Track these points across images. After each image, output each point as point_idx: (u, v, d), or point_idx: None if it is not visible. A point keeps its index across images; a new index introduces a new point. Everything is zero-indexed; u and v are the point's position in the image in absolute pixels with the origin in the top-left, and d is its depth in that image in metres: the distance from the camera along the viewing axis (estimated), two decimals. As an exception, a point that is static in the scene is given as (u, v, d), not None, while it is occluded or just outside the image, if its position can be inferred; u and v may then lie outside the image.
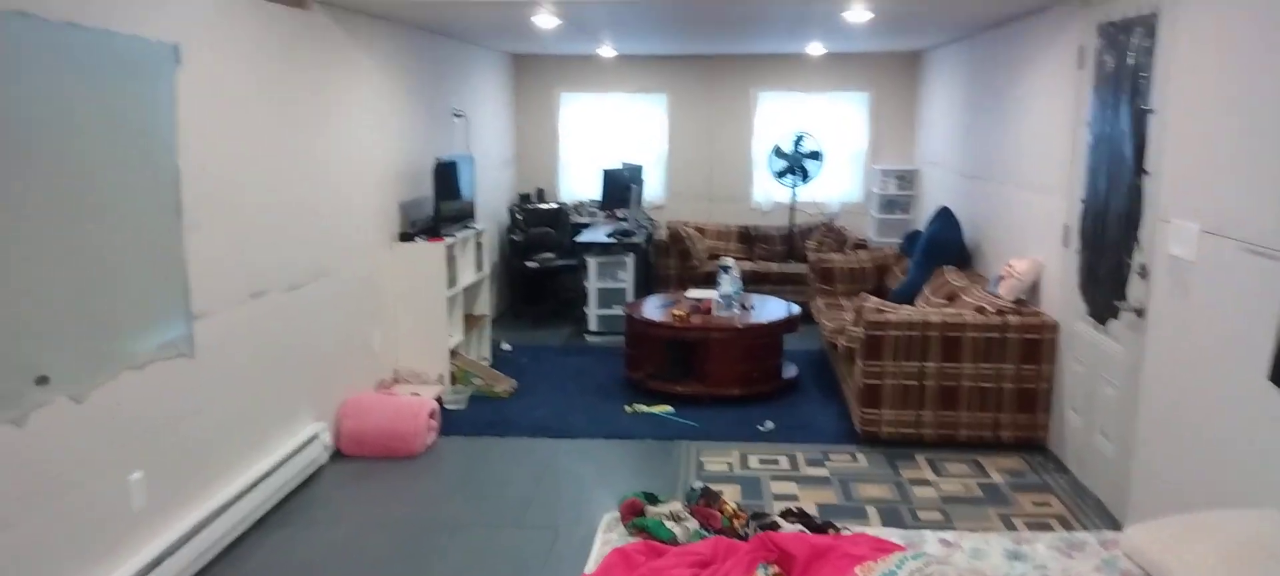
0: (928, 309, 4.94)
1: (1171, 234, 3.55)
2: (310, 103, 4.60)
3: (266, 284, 4.20)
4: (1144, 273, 3.80)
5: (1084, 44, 4.48)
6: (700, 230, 8.58)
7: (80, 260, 2.97)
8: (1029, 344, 4.73)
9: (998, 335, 4.74)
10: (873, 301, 4.98)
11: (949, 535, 2.85)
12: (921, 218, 7.99)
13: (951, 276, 5.70)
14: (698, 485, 3.13)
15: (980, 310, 4.86)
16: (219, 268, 3.81)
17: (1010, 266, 5.11)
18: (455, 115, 6.94)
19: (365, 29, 5.24)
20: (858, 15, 5.37)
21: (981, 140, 6.21)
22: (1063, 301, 4.65)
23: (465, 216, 6.31)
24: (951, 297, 5.43)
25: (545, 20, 5.50)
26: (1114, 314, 4.07)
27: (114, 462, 3.19)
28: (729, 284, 5.88)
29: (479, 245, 6.50)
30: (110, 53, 3.10)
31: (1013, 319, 4.74)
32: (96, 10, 3.03)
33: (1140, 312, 3.80)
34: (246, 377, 4.05)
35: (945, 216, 6.28)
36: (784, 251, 8.43)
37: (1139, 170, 3.86)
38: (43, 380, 2.80)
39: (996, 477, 4.53)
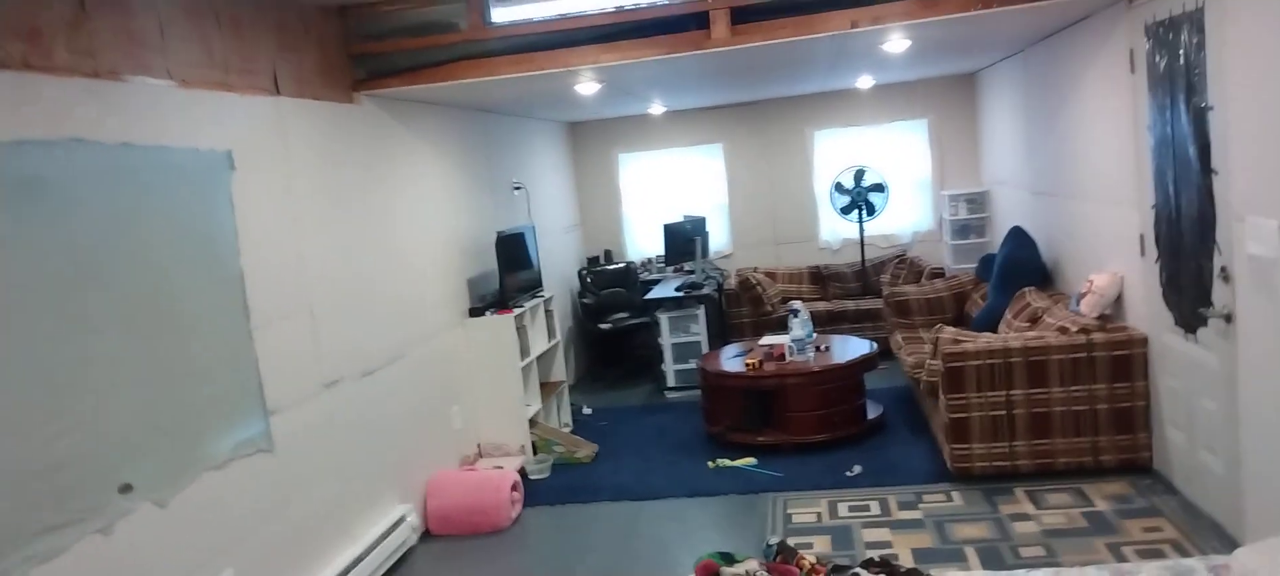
0: (1009, 334, 4.77)
1: (1248, 232, 3.37)
2: (368, 191, 4.74)
3: (340, 373, 4.31)
4: (1226, 276, 3.60)
5: (1134, 46, 4.34)
6: (770, 275, 8.50)
7: (155, 368, 3.09)
8: (1119, 360, 4.52)
9: (1084, 355, 4.54)
10: (948, 332, 4.84)
11: (1045, 572, 2.71)
12: (996, 240, 7.77)
13: (1033, 298, 5.51)
14: (774, 540, 3.06)
15: (1063, 330, 4.67)
16: (291, 362, 3.92)
17: (1090, 282, 4.91)
18: (515, 188, 7.06)
19: (415, 115, 5.39)
20: (896, 45, 5.31)
21: (1044, 155, 6.04)
22: (1148, 314, 4.44)
23: (532, 286, 6.38)
24: (1034, 320, 5.24)
25: (586, 87, 5.58)
26: (1202, 322, 3.87)
27: (202, 564, 3.27)
28: (800, 327, 5.79)
29: (548, 312, 6.55)
30: (166, 167, 3.25)
31: (1098, 336, 4.55)
32: (148, 128, 3.19)
33: (1228, 318, 3.60)
34: (327, 466, 4.14)
35: (1018, 236, 6.10)
36: (858, 288, 8.29)
37: (1206, 170, 3.69)
38: (126, 488, 2.91)
39: (1101, 505, 4.31)
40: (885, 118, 8.59)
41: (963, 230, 8.19)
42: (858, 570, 2.86)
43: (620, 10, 4.51)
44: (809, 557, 2.94)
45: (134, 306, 3.02)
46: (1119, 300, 4.82)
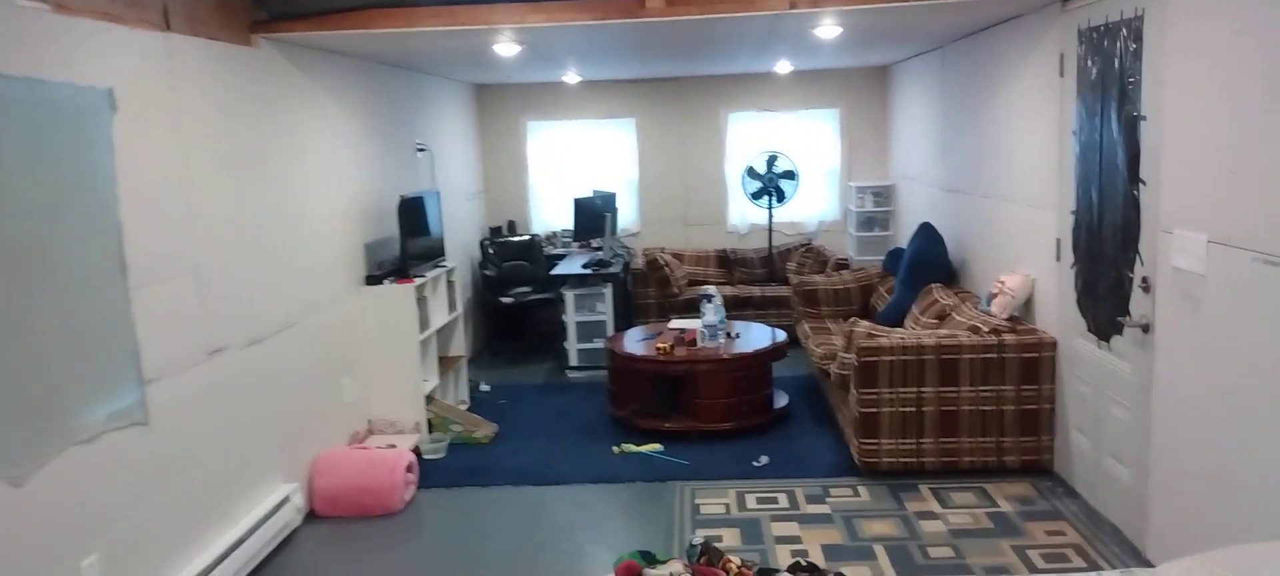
0: (920, 331, 4.77)
1: (1175, 245, 3.41)
2: (263, 145, 4.35)
3: (226, 339, 3.94)
4: (1147, 287, 3.65)
5: (1064, 50, 4.36)
6: (678, 256, 8.39)
7: (12, 328, 2.71)
8: (1027, 363, 4.57)
9: (995, 355, 4.58)
10: (863, 325, 4.80)
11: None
12: (902, 234, 7.86)
13: (940, 294, 5.55)
14: (697, 539, 2.92)
15: (975, 330, 4.70)
16: (172, 326, 3.55)
17: (1001, 282, 4.96)
18: (418, 149, 6.70)
19: (319, 64, 5.00)
20: (828, 31, 5.23)
21: (960, 153, 6.09)
22: (1060, 318, 4.50)
23: (435, 254, 6.07)
24: (942, 317, 5.27)
25: (506, 48, 5.30)
26: (1117, 330, 3.92)
27: (64, 548, 2.91)
28: (713, 313, 5.69)
29: (450, 283, 6.25)
30: (36, 101, 2.85)
31: (1009, 337, 4.59)
32: (17, 56, 2.78)
33: (1146, 328, 3.65)
34: (208, 442, 3.78)
35: (927, 232, 6.14)
36: (765, 274, 8.26)
37: (1134, 179, 3.73)
38: (-24, 469, 2.53)
39: (1005, 506, 4.35)
40: (798, 105, 8.57)
41: (867, 222, 8.26)
42: (784, 574, 2.75)
43: (551, -30, 4.25)
44: (735, 560, 2.81)
45: (-11, 258, 2.63)
46: (1029, 302, 4.88)
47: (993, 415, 4.63)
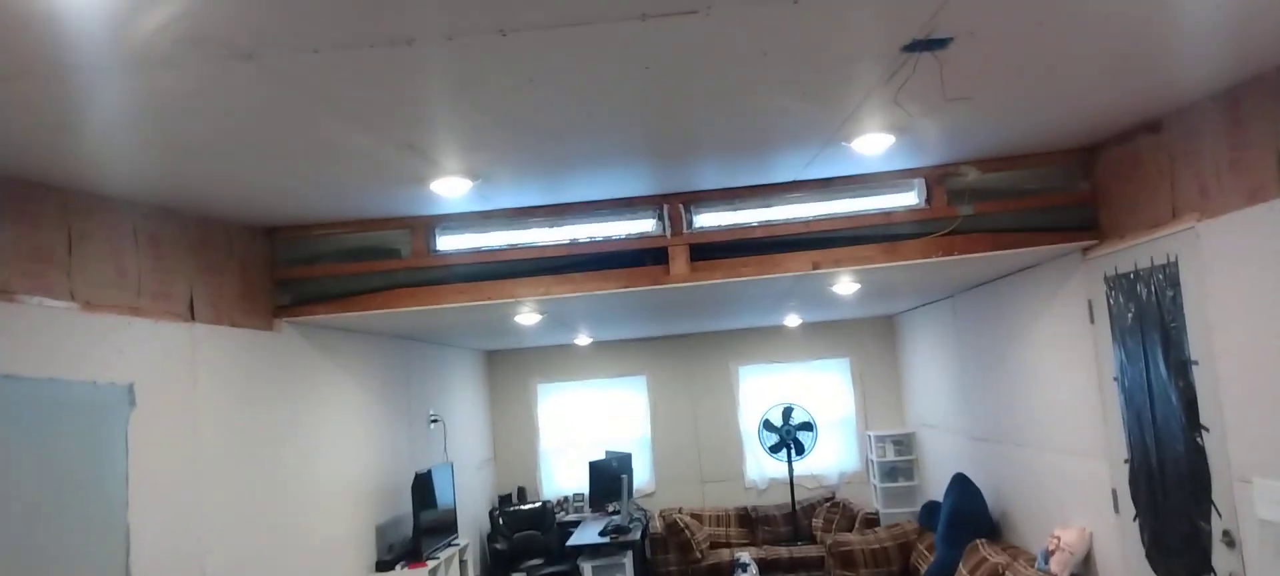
0: (982, 597, 4.44)
1: (1258, 496, 3.20)
2: (278, 427, 4.19)
3: (235, 651, 3.59)
4: (1230, 541, 3.40)
5: (1092, 297, 4.34)
6: (697, 516, 8.04)
7: (13, 669, 2.42)
8: (1101, 627, 4.22)
9: (1066, 621, 4.23)
10: (919, 593, 4.47)
11: None
12: (929, 484, 7.60)
13: (987, 552, 5.24)
14: None
15: (1038, 592, 4.37)
16: (181, 643, 3.23)
17: (1057, 537, 4.68)
18: (432, 421, 6.54)
19: (336, 342, 4.93)
20: (846, 287, 5.25)
21: (986, 400, 5.97)
22: (1127, 575, 4.20)
23: (447, 529, 5.76)
24: (995, 577, 4.94)
25: (527, 318, 5.28)
26: (1201, 589, 3.63)
27: None
28: (749, 584, 5.33)
29: (463, 562, 5.89)
30: (54, 403, 2.71)
31: (1078, 600, 4.26)
32: (39, 357, 2.67)
33: (1238, 588, 3.37)
34: None
35: (963, 484, 5.90)
36: (789, 533, 7.89)
37: (1194, 426, 3.57)
38: None
39: None
40: (808, 355, 8.54)
41: (891, 472, 8.00)
42: None
43: (574, 243, 4.28)
44: None
45: (-9, 583, 2.38)
46: (1088, 557, 4.58)
47: (1071, 689, 4.22)
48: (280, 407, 4.20)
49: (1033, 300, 5.08)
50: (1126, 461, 4.14)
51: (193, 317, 3.54)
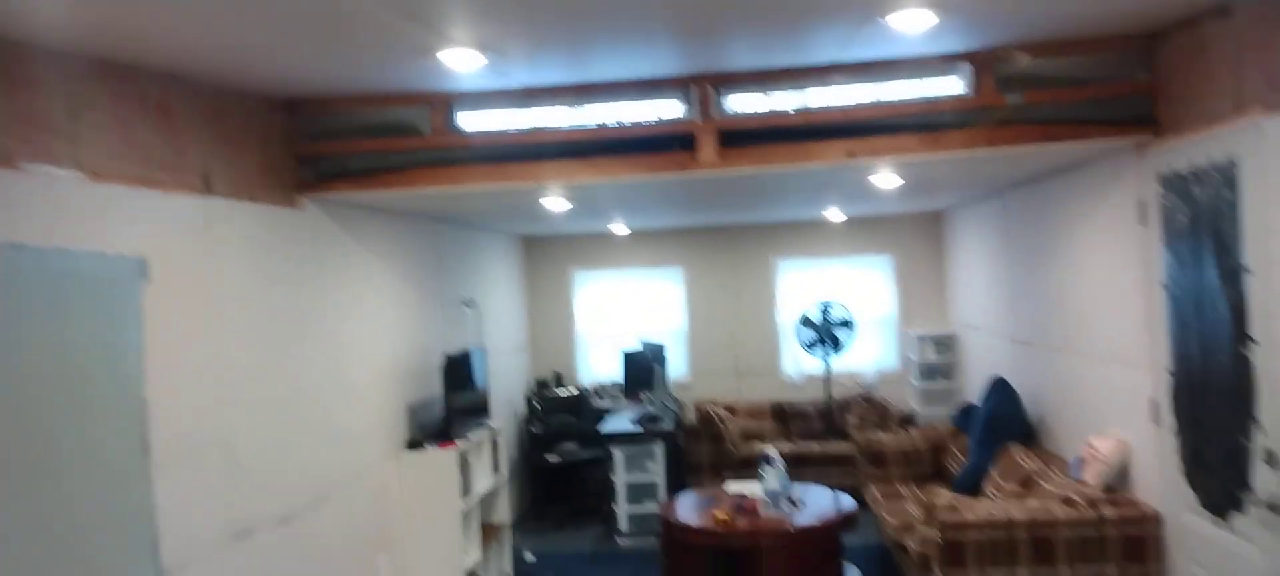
0: (1009, 503, 4.34)
1: (1306, 414, 3.01)
2: (303, 307, 4.18)
3: (254, 519, 3.66)
4: (1273, 461, 3.23)
5: (1143, 198, 4.08)
6: (731, 409, 8.03)
7: (13, 521, 2.45)
8: (1131, 541, 4.10)
9: (1094, 532, 4.12)
10: (944, 496, 4.39)
11: None
12: (967, 385, 7.45)
13: (1021, 457, 5.12)
14: None
15: (1069, 501, 4.26)
16: (196, 508, 3.29)
17: (1092, 447, 4.54)
18: (465, 305, 6.54)
19: (364, 222, 4.89)
20: (886, 180, 5.02)
21: (1030, 303, 5.75)
22: (1164, 489, 4.05)
23: (479, 410, 5.80)
24: (1026, 483, 4.83)
25: (555, 203, 5.17)
26: (1238, 506, 3.48)
27: None
28: (775, 478, 5.29)
29: (495, 444, 5.96)
30: (62, 273, 2.69)
31: (1109, 511, 4.14)
32: (44, 226, 2.63)
33: (1277, 509, 3.21)
34: (229, 637, 3.45)
35: (1002, 388, 5.75)
36: (823, 429, 7.85)
37: (1242, 337, 3.36)
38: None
39: None
40: (849, 251, 8.34)
41: (930, 373, 7.86)
42: None
43: (602, 127, 4.12)
44: None
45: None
46: (1125, 470, 4.43)
47: (1095, 598, 4.14)
48: (306, 286, 4.19)
49: (1083, 199, 4.82)
50: (1170, 372, 3.94)
51: (209, 191, 3.49)
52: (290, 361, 4.02)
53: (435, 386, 5.61)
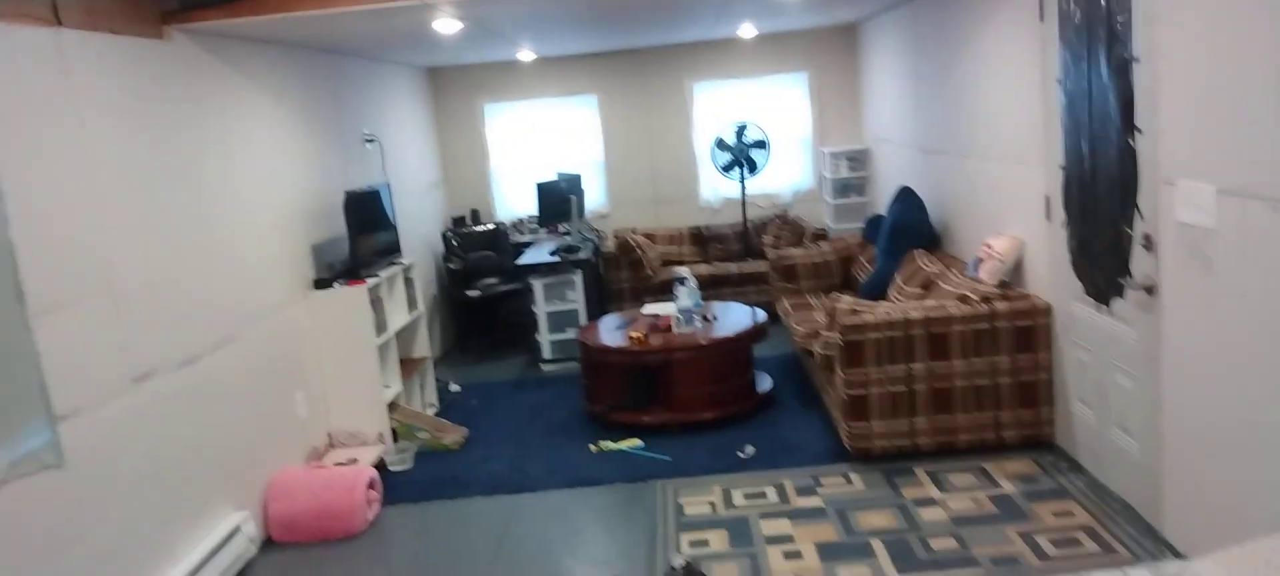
0: (908, 304, 4.48)
1: (1179, 198, 3.12)
2: (184, 147, 3.98)
3: (153, 363, 3.59)
4: (1149, 244, 3.37)
5: (1046, -7, 4.07)
6: (650, 237, 8.07)
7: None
8: (1022, 332, 4.30)
9: (987, 326, 4.30)
10: (845, 300, 4.51)
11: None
12: (879, 199, 7.58)
13: (923, 261, 5.27)
14: (678, 561, 2.62)
15: (964, 299, 4.42)
16: (87, 354, 3.19)
17: (988, 246, 4.68)
18: (367, 140, 6.33)
19: (246, 55, 4.62)
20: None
21: (937, 111, 5.79)
22: (1053, 281, 4.23)
23: (390, 250, 5.72)
24: (927, 285, 4.99)
25: (446, 25, 4.93)
26: (1118, 292, 3.65)
27: (-39, 623, 2.57)
28: (688, 296, 5.38)
29: (408, 281, 5.91)
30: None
31: (1000, 305, 4.31)
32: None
33: (1150, 290, 3.38)
34: (139, 477, 3.44)
35: (907, 197, 5.85)
36: (741, 250, 7.96)
37: (1128, 128, 3.44)
38: None
39: (1007, 486, 4.08)
40: (765, 70, 8.23)
41: (844, 189, 7.97)
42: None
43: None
44: (719, 580, 2.52)
45: None
46: (1019, 266, 4.60)
47: (988, 389, 4.36)
48: (186, 124, 3.98)
49: (985, 2, 4.78)
50: (1062, 167, 4.04)
51: (58, 21, 3.23)
52: (176, 202, 3.86)
53: (340, 226, 5.49)
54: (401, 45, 5.91)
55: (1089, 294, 3.91)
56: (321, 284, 5.09)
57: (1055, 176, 4.11)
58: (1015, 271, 4.62)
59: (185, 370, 3.81)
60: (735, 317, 5.55)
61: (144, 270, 3.58)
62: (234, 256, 4.30)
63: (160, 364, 3.63)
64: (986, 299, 4.35)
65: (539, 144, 8.43)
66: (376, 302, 5.28)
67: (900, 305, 4.48)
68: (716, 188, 8.36)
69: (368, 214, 5.43)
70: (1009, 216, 4.70)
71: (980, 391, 4.36)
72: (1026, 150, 4.40)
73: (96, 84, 3.39)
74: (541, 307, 6.83)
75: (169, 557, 3.58)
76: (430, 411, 5.91)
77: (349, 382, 5.11)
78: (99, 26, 3.45)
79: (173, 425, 3.69)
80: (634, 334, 5.25)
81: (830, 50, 8.17)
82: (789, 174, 8.37)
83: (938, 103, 5.78)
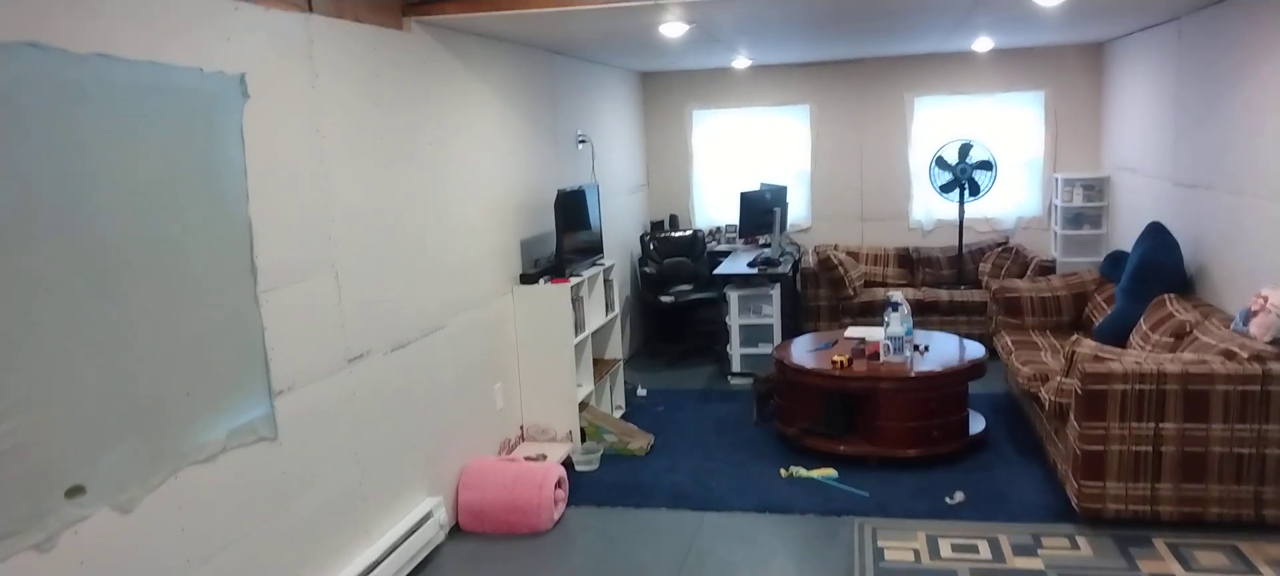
0: (1161, 355, 3.96)
1: None
2: (412, 136, 4.08)
3: (367, 345, 3.68)
4: None
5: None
6: (853, 255, 7.70)
7: (125, 339, 2.48)
8: (1301, 399, 3.69)
9: (1258, 388, 3.72)
10: (1088, 345, 4.04)
11: None
12: (1118, 234, 6.87)
13: (1176, 307, 4.67)
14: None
15: (1230, 355, 3.85)
16: (307, 332, 3.30)
17: (1264, 298, 4.06)
18: (579, 141, 6.36)
19: (475, 50, 4.71)
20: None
21: (1201, 141, 5.13)
22: (1349, 344, 3.60)
23: (592, 250, 5.70)
24: (1180, 335, 4.41)
25: (673, 28, 4.84)
26: None
27: (179, 578, 2.68)
28: (899, 323, 5.02)
29: (608, 282, 5.88)
30: (157, 88, 2.61)
31: (1275, 366, 3.72)
32: (136, 38, 2.54)
33: None
34: (345, 455, 3.53)
35: (1158, 233, 5.23)
36: (953, 276, 7.45)
37: None
38: (76, 490, 2.30)
39: (1267, 572, 3.51)
40: (996, 87, 7.67)
41: (1076, 220, 7.29)
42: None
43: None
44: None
45: (101, 260, 2.39)
46: (1299, 323, 3.96)
47: (1251, 459, 3.78)
48: (414, 114, 4.08)
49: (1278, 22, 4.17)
50: (1371, 213, 3.43)
51: (310, 8, 3.36)
52: (400, 190, 3.95)
53: (548, 223, 5.53)
54: (621, 48, 5.90)
55: (1399, 365, 3.28)
56: (527, 279, 5.12)
57: (1360, 222, 3.50)
58: (1294, 329, 3.99)
59: (395, 354, 3.89)
60: (947, 350, 5.14)
61: (365, 254, 3.67)
62: (449, 246, 4.38)
63: (373, 347, 3.72)
64: (1259, 357, 3.77)
65: (744, 152, 8.25)
66: (577, 301, 5.27)
67: (1152, 356, 3.96)
68: (930, 208, 7.87)
69: (575, 213, 5.43)
70: (1290, 265, 4.07)
71: (1241, 460, 3.79)
72: (1321, 190, 3.78)
73: (337, 70, 3.51)
74: (734, 319, 6.64)
75: (364, 536, 3.66)
76: (617, 413, 5.85)
77: (544, 378, 5.12)
78: (345, 14, 3.57)
79: (378, 407, 3.77)
80: (837, 358, 4.96)
81: (1072, 69, 7.50)
82: (1013, 199, 7.76)
83: (1203, 132, 5.13)
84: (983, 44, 6.93)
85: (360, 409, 3.64)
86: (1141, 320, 4.91)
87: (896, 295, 5.07)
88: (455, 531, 4.37)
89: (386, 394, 3.83)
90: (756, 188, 7.58)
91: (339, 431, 3.50)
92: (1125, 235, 6.59)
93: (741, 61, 7.48)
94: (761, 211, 7.23)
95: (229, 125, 2.93)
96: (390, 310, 3.86)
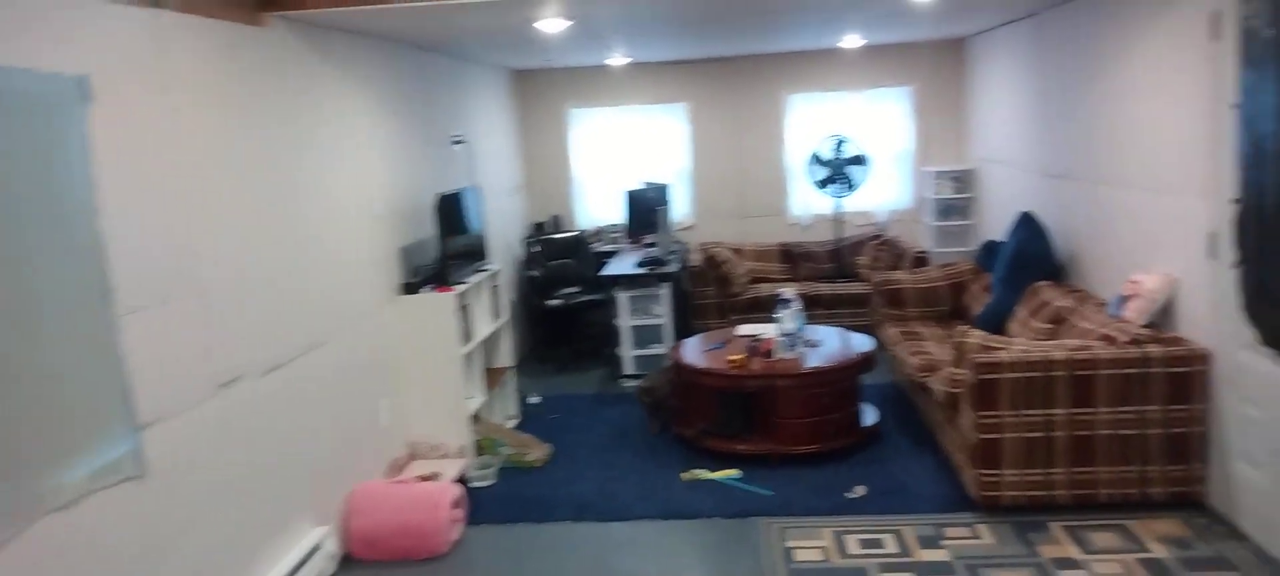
0: (1047, 343, 4.08)
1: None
2: (277, 141, 3.77)
3: (239, 369, 3.37)
4: (1356, 291, 2.94)
5: (1219, 10, 3.64)
6: (737, 251, 7.72)
7: (-39, 385, 2.14)
8: (1176, 379, 3.86)
9: (1138, 371, 3.88)
10: (976, 335, 4.12)
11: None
12: (986, 223, 7.14)
13: (1051, 295, 4.85)
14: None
15: (1110, 339, 4.00)
16: (172, 357, 2.98)
17: (1136, 283, 4.25)
18: (455, 142, 6.11)
19: (341, 47, 4.41)
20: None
21: (1067, 133, 5.36)
22: (1215, 326, 3.79)
23: (476, 255, 5.47)
24: (1057, 321, 4.58)
25: (551, 24, 4.67)
26: (1307, 343, 3.22)
27: (33, 650, 2.34)
28: (790, 319, 5.02)
29: (495, 288, 5.66)
30: (-6, 95, 2.27)
31: (1154, 349, 3.88)
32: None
33: (1357, 343, 2.95)
34: (221, 489, 3.21)
35: (1029, 224, 5.42)
36: (833, 270, 7.57)
37: (1329, 159, 3.01)
38: (-96, 567, 1.96)
39: (1158, 550, 3.65)
40: (865, 83, 7.85)
41: (946, 210, 7.54)
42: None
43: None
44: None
45: (-79, 292, 2.05)
46: (1167, 307, 4.16)
47: (1135, 440, 3.94)
48: (277, 117, 3.76)
49: (1137, 17, 4.36)
50: (1236, 201, 3.61)
51: (158, 3, 3.03)
52: (267, 199, 3.64)
53: (428, 228, 5.27)
54: (496, 44, 5.68)
55: (1266, 342, 3.47)
56: (409, 288, 4.86)
57: (1224, 211, 3.69)
58: (1163, 312, 4.19)
59: (271, 376, 3.59)
60: (837, 343, 5.18)
61: (233, 269, 3.36)
62: (323, 259, 4.08)
63: (246, 369, 3.41)
64: (1137, 341, 3.93)
65: (624, 151, 8.15)
66: (463, 309, 5.03)
67: (1039, 344, 4.07)
68: (808, 204, 7.99)
69: (457, 217, 5.19)
70: (1158, 251, 4.26)
71: (1126, 442, 3.94)
72: (1185, 180, 3.97)
73: (191, 70, 3.19)
74: (625, 321, 6.54)
75: (250, 575, 3.35)
76: (510, 424, 5.65)
77: (432, 392, 4.86)
78: (196, 9, 3.25)
79: (256, 434, 3.46)
80: (732, 357, 4.92)
81: (937, 64, 7.76)
82: (885, 192, 7.97)
83: (1067, 124, 5.35)
84: (852, 41, 7.06)
85: (236, 437, 3.32)
86: (1019, 308, 5.08)
87: (787, 291, 5.08)
88: (347, 561, 4.08)
89: (264, 419, 3.52)
90: (641, 186, 7.50)
91: (215, 463, 3.18)
92: (995, 225, 6.84)
93: (618, 59, 7.37)
94: (647, 210, 7.15)
95: (71, 132, 2.60)
96: (263, 328, 3.55)
